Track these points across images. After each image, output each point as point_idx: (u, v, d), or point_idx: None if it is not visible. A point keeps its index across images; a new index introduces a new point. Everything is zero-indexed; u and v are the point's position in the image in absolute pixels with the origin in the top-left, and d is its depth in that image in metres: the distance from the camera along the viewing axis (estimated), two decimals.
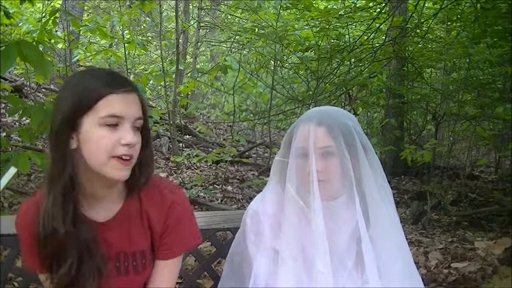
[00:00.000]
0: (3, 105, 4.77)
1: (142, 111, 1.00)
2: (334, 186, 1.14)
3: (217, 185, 5.35)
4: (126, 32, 6.73)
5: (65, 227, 0.95)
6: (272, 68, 6.91)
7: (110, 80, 0.97)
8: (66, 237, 0.96)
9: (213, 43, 9.70)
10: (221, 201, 4.77)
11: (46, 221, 0.96)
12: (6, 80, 5.52)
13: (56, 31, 5.29)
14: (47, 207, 0.96)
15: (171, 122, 6.48)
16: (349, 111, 1.97)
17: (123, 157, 0.95)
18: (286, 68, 6.91)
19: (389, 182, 1.22)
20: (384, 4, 4.67)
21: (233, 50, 7.97)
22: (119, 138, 0.94)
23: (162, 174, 5.38)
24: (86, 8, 8.12)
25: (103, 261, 1.01)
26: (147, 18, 9.45)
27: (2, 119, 4.67)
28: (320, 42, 5.42)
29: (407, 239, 1.21)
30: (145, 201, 1.08)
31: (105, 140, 0.94)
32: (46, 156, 0.98)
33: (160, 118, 6.44)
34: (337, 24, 5.01)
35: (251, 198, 1.30)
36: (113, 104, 0.94)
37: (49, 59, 2.99)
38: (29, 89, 5.60)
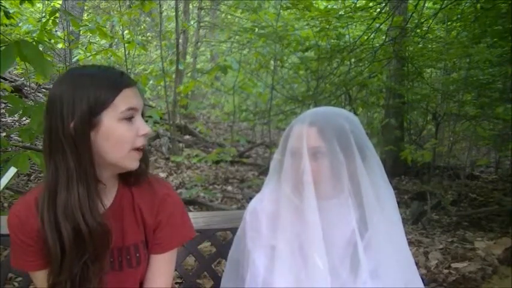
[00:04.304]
0: (3, 105, 4.76)
1: None
2: (324, 187, 1.14)
3: (217, 185, 5.36)
4: (126, 32, 6.74)
5: (94, 220, 0.96)
6: (272, 68, 6.91)
7: (119, 76, 1.00)
8: (87, 236, 0.96)
9: (213, 43, 9.70)
10: (221, 201, 4.78)
11: (72, 217, 0.95)
12: (6, 80, 5.52)
13: (56, 31, 5.29)
14: (70, 204, 0.95)
15: (171, 122, 6.49)
16: (349, 111, 1.96)
17: (141, 147, 1.01)
18: (286, 68, 6.92)
19: (389, 182, 1.21)
20: (384, 4, 4.66)
21: (233, 50, 7.98)
22: (137, 130, 0.99)
23: (162, 174, 5.39)
24: (85, 8, 8.11)
25: (106, 257, 1.01)
26: (147, 18, 9.45)
27: (2, 119, 4.67)
28: (320, 42, 5.42)
29: (407, 239, 1.21)
30: (137, 193, 1.09)
31: (127, 133, 0.97)
32: (63, 155, 0.97)
33: (161, 118, 6.45)
34: (337, 24, 5.00)
35: (251, 198, 1.30)
36: (129, 97, 0.98)
37: (49, 59, 2.99)
38: (29, 89, 5.60)
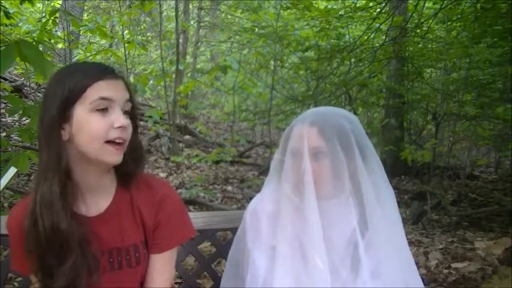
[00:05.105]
0: (3, 105, 4.76)
1: (130, 96, 1.02)
2: (325, 187, 1.14)
3: (217, 185, 5.36)
4: (126, 32, 6.73)
5: (65, 222, 0.95)
6: (272, 68, 6.91)
7: (97, 69, 0.99)
8: (62, 234, 0.95)
9: (213, 43, 9.70)
10: (221, 201, 4.78)
11: (42, 219, 0.95)
12: (6, 80, 5.52)
13: (56, 31, 5.29)
14: (43, 204, 0.95)
15: (171, 122, 6.48)
16: (349, 111, 1.97)
17: (117, 140, 0.97)
18: (286, 68, 6.92)
19: (389, 182, 1.21)
20: (384, 4, 4.66)
21: (233, 50, 7.98)
22: (112, 122, 0.96)
23: (162, 174, 5.39)
24: (85, 8, 8.11)
25: (95, 259, 1.00)
26: (147, 18, 9.45)
27: (2, 119, 4.67)
28: (320, 42, 5.42)
29: (407, 239, 1.21)
30: (136, 194, 1.08)
31: (98, 124, 0.95)
32: (41, 151, 0.98)
33: (161, 118, 6.45)
34: (337, 24, 5.00)
35: (251, 198, 1.30)
36: (102, 88, 0.96)
37: (49, 59, 2.99)
38: (29, 89, 5.60)
